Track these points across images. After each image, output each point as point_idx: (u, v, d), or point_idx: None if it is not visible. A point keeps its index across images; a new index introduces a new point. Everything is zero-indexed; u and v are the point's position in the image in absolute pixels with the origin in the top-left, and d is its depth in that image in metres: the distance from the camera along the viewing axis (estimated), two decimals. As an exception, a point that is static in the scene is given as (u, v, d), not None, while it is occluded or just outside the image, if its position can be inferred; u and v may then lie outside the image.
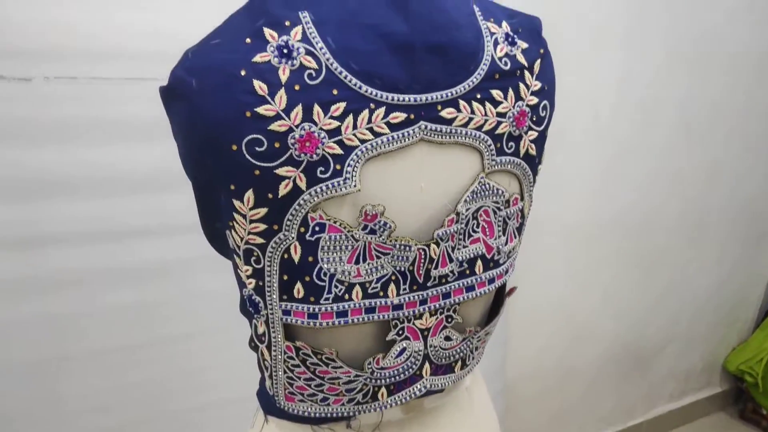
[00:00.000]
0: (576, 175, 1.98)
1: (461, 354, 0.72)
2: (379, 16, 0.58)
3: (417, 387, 0.70)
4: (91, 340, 1.33)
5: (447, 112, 0.61)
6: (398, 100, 0.59)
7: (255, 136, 0.56)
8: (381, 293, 0.64)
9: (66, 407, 1.35)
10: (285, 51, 0.56)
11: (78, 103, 1.18)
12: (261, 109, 0.55)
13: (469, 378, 0.81)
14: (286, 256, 0.60)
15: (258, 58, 0.56)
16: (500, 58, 0.64)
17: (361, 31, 0.58)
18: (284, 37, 0.56)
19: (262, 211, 0.58)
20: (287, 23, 0.57)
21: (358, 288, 0.63)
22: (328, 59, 0.57)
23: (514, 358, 2.11)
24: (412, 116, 0.60)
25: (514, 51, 0.65)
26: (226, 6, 0.61)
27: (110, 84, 1.19)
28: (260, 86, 0.55)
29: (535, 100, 0.67)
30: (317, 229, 0.60)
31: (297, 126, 0.56)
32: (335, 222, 0.60)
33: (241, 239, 0.61)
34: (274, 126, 0.56)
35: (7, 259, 1.23)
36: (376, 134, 0.59)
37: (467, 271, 0.68)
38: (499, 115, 0.64)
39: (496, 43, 0.64)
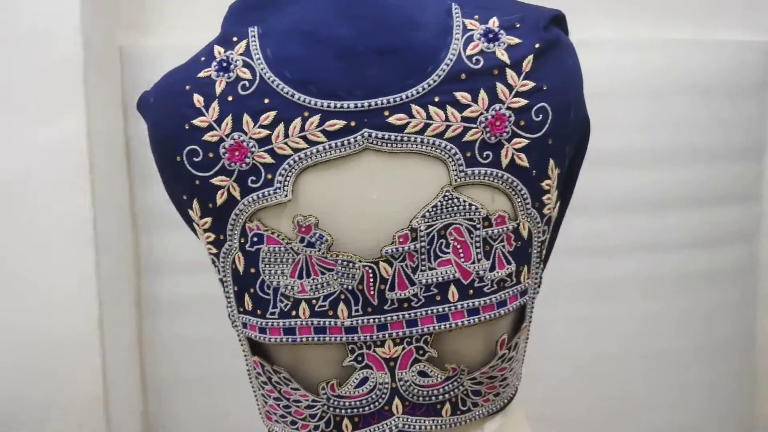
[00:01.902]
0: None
1: (449, 396, 0.63)
2: (323, 22, 0.58)
3: (387, 425, 0.63)
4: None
5: (396, 118, 0.57)
6: (336, 107, 0.57)
7: (192, 146, 0.59)
8: (330, 312, 0.60)
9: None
10: (224, 65, 0.59)
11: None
12: (197, 121, 0.58)
13: (496, 423, 0.69)
14: (233, 266, 0.61)
15: (202, 73, 0.59)
16: (470, 57, 0.57)
17: (301, 39, 0.58)
18: (228, 52, 0.59)
19: (209, 220, 0.60)
20: (235, 39, 0.60)
21: (304, 305, 0.60)
22: (263, 69, 0.58)
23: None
24: (353, 123, 0.57)
25: (492, 48, 0.58)
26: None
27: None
28: (198, 99, 0.59)
29: (522, 102, 0.58)
30: (255, 239, 0.59)
31: (227, 135, 0.58)
32: (273, 233, 0.59)
33: (205, 250, 0.63)
34: (207, 136, 0.58)
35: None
36: (311, 143, 0.57)
37: (437, 297, 0.60)
38: (466, 120, 0.57)
39: (469, 41, 0.58)
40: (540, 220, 0.61)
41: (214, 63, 0.59)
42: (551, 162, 0.60)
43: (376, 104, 0.57)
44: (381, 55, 0.57)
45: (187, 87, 0.59)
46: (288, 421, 0.66)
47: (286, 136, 0.57)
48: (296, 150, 0.57)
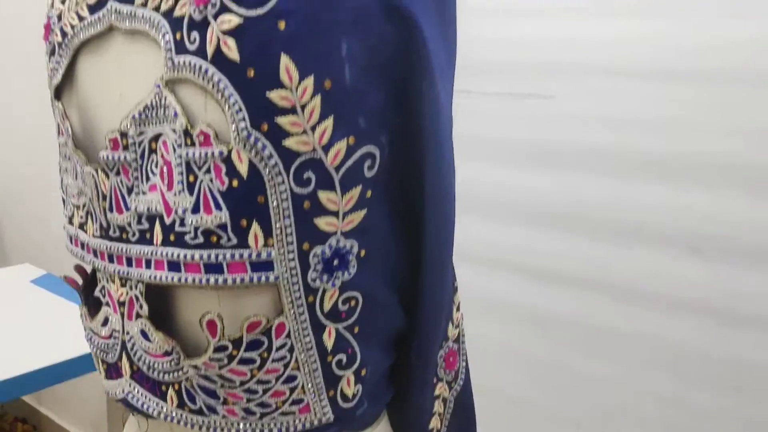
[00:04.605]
0: None
1: (170, 378, 0.46)
2: None
3: (118, 386, 0.50)
4: None
5: None
6: None
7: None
8: (84, 226, 0.51)
9: None
10: None
11: (470, 117, 1.19)
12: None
13: None
14: None
15: None
16: None
17: None
18: None
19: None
20: None
21: (76, 212, 0.52)
22: None
23: None
24: None
25: None
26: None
27: (496, 99, 1.15)
28: None
29: None
30: (57, 128, 0.54)
31: (48, 12, 0.54)
32: (63, 122, 0.53)
33: None
34: (47, 10, 0.55)
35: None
36: (80, 18, 0.49)
37: (147, 234, 0.44)
38: None
39: None
40: (278, 156, 0.39)
41: None
42: (285, 59, 0.37)
43: None
44: None
45: None
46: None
47: (68, 11, 0.50)
48: (72, 26, 0.50)
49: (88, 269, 0.55)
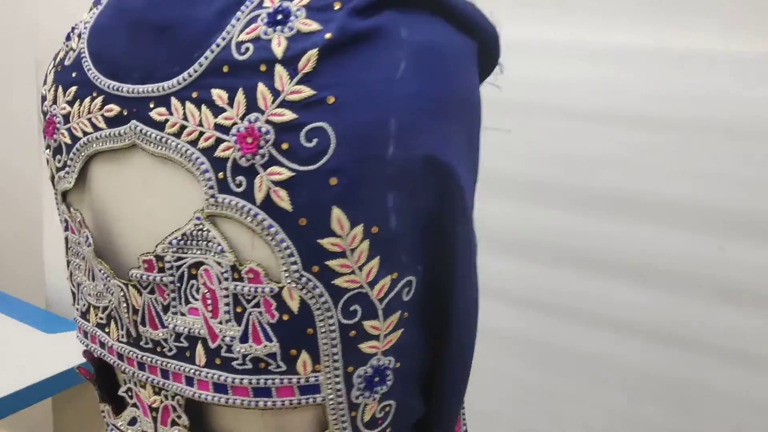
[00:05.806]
0: None
1: None
2: None
3: None
4: None
5: (158, 113, 0.44)
6: (115, 89, 0.47)
7: (41, 113, 0.56)
8: (107, 328, 0.51)
9: None
10: (70, 33, 0.54)
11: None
12: (42, 88, 0.55)
13: None
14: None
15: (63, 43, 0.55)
16: (241, 43, 0.41)
17: (112, 7, 0.50)
18: (80, 20, 0.54)
19: (57, 197, 0.57)
20: (93, 7, 0.54)
21: (92, 311, 0.53)
22: (81, 38, 0.51)
23: None
24: (125, 112, 0.46)
25: (272, 35, 0.40)
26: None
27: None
28: (49, 67, 0.55)
29: (288, 116, 0.39)
30: (64, 225, 0.54)
31: (50, 107, 0.53)
32: (75, 221, 0.52)
33: None
34: (44, 105, 0.54)
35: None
36: (96, 128, 0.48)
37: (187, 353, 0.46)
38: (219, 128, 0.41)
39: (250, 23, 0.41)
40: (328, 295, 0.41)
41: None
42: (336, 212, 0.39)
43: (143, 92, 0.45)
44: (161, 32, 0.44)
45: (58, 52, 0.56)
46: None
47: (79, 115, 0.50)
48: (85, 133, 0.49)
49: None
